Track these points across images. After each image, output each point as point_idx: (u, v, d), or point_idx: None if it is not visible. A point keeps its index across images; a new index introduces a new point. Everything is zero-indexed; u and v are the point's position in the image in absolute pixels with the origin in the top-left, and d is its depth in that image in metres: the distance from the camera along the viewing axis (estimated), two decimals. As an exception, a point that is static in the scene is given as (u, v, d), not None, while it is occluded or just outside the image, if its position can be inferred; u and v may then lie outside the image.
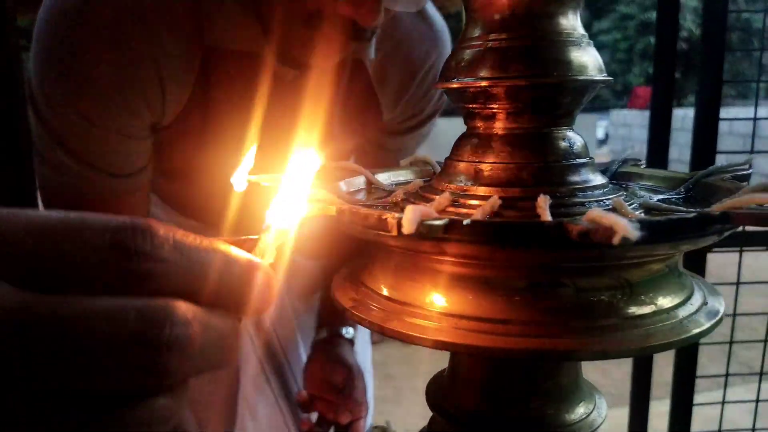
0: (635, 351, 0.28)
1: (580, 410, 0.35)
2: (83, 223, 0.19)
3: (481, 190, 0.33)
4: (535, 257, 0.28)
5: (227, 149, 0.69)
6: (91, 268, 0.18)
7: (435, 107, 0.83)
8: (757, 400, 1.08)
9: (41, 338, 0.17)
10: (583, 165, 0.34)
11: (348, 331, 0.88)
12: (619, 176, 0.43)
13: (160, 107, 0.64)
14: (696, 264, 0.99)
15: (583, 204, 0.32)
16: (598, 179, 0.34)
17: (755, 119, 1.05)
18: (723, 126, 0.99)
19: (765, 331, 1.05)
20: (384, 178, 0.44)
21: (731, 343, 1.04)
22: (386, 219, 0.26)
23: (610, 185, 0.35)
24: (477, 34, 0.34)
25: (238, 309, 0.22)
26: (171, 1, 0.61)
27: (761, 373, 1.04)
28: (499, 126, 0.34)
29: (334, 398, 0.81)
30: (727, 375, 1.08)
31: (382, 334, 0.31)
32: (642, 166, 0.43)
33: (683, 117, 5.43)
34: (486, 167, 0.34)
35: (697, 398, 1.07)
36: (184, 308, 0.19)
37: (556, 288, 0.28)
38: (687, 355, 1.05)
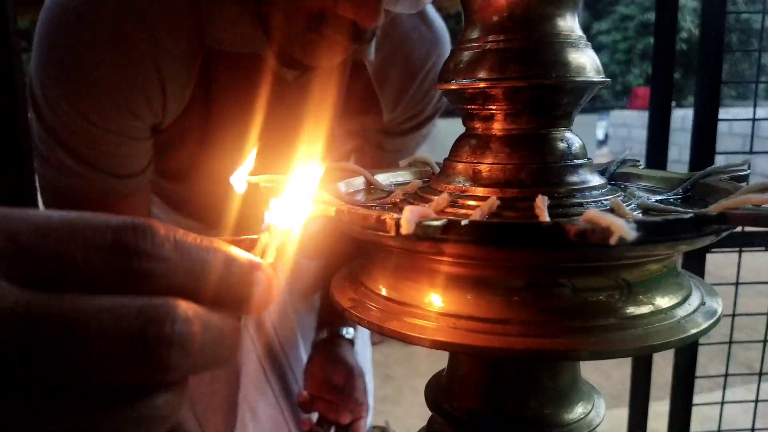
0: (633, 351, 0.28)
1: (579, 410, 0.36)
2: (85, 222, 0.19)
3: (480, 191, 0.33)
4: (533, 257, 0.28)
5: (228, 150, 0.69)
6: (93, 267, 0.19)
7: (435, 108, 0.83)
8: (757, 401, 1.08)
9: (43, 336, 0.17)
10: (581, 166, 0.34)
11: (348, 332, 0.88)
12: (617, 177, 0.43)
13: (160, 108, 0.64)
14: (695, 264, 0.99)
15: (581, 204, 0.32)
16: (596, 180, 0.34)
17: (754, 120, 1.05)
18: (722, 126, 1.00)
19: (764, 331, 1.05)
20: (383, 178, 0.44)
21: (731, 343, 1.04)
22: (384, 219, 0.26)
23: (609, 186, 0.35)
24: (475, 36, 0.34)
25: (239, 308, 0.22)
26: (171, 2, 0.61)
27: (761, 374, 1.04)
28: (497, 127, 0.34)
29: (335, 398, 0.81)
30: (726, 375, 1.08)
31: (380, 334, 0.31)
32: (640, 167, 0.43)
33: (682, 117, 5.44)
34: (484, 168, 0.34)
35: (697, 398, 1.07)
36: (184, 306, 0.19)
37: (554, 288, 0.29)
38: (686, 356, 1.05)
